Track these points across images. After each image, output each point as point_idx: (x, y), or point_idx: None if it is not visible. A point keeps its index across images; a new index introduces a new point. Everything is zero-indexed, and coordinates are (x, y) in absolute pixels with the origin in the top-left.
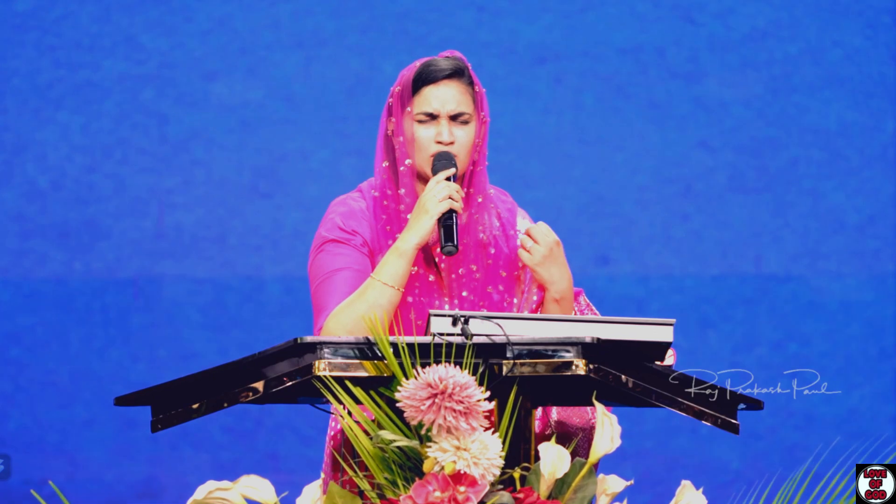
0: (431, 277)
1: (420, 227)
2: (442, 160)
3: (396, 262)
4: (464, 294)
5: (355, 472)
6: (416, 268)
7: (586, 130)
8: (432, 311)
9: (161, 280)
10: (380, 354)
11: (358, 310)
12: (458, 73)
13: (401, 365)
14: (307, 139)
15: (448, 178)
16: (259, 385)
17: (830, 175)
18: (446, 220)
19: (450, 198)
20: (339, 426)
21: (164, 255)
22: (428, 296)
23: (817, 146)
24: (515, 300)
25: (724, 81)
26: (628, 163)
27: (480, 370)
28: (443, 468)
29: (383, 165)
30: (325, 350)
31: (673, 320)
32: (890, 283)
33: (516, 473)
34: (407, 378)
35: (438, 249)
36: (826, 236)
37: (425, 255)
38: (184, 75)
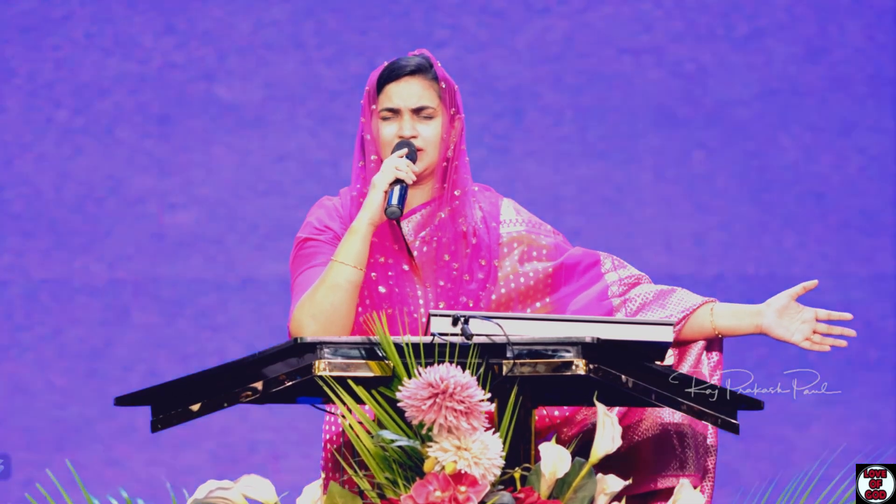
0: (406, 267)
1: (369, 202)
2: (399, 147)
3: (350, 241)
4: (441, 283)
5: (355, 471)
6: (383, 258)
7: (586, 130)
8: (433, 311)
9: (161, 280)
10: (380, 354)
11: (318, 292)
12: (421, 69)
13: (402, 364)
14: (307, 139)
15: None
16: (259, 385)
17: (830, 175)
18: (392, 189)
19: (396, 168)
20: (334, 428)
21: (164, 255)
22: (402, 286)
23: (817, 146)
24: (503, 290)
25: (724, 81)
26: (628, 163)
27: (481, 370)
28: (443, 468)
29: (359, 165)
30: (326, 350)
31: (674, 321)
32: (890, 283)
33: (517, 473)
34: (408, 377)
35: (383, 211)
36: (826, 236)
37: (399, 245)
38: (184, 75)
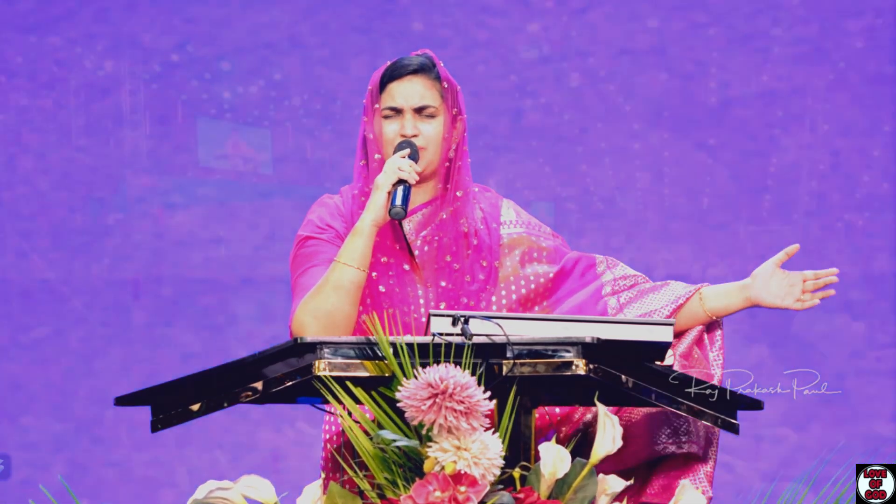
0: (406, 266)
1: (372, 203)
2: (401, 147)
3: (354, 242)
4: (442, 284)
5: (355, 472)
6: (384, 257)
7: (586, 130)
8: (433, 311)
9: (161, 280)
10: (380, 354)
11: (320, 293)
12: (423, 68)
13: (401, 365)
14: (307, 139)
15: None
16: (259, 385)
17: (830, 175)
18: (395, 190)
19: (399, 169)
20: (334, 428)
21: (164, 255)
22: (402, 285)
23: (817, 146)
24: (503, 292)
25: (724, 81)
26: (628, 163)
27: (480, 370)
28: (443, 468)
29: (360, 164)
30: (325, 350)
31: (673, 320)
32: (890, 283)
33: (516, 473)
34: (407, 378)
35: (387, 212)
36: (826, 236)
37: (400, 244)
38: (184, 75)
